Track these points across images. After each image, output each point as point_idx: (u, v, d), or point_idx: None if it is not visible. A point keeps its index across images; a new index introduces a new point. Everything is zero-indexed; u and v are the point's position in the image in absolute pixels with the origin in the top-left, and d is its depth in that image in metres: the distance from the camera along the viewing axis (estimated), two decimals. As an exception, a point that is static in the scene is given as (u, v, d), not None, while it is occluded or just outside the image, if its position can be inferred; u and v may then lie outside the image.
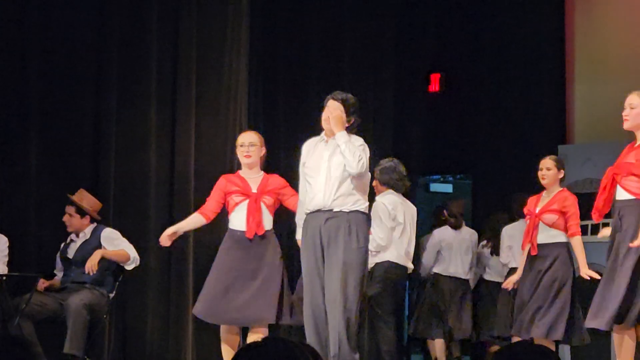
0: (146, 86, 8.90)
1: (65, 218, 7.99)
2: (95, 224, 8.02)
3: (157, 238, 8.61)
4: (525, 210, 7.89)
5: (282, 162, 9.46)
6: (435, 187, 12.32)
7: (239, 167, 9.06)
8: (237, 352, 2.44)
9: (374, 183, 8.10)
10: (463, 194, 11.79)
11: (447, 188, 12.41)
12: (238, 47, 9.23)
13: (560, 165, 7.87)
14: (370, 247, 7.83)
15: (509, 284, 8.08)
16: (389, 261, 8.09)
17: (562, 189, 7.86)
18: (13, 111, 8.55)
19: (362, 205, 6.66)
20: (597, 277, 7.62)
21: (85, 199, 7.99)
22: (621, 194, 6.34)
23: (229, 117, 9.13)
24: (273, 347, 2.38)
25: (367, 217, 6.70)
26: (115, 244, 7.88)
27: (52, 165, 8.57)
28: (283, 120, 9.87)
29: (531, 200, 7.91)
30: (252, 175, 7.19)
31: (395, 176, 8.14)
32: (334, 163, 6.62)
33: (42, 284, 7.91)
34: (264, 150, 7.22)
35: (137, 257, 7.87)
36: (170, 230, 7.22)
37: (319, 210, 6.64)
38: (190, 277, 8.66)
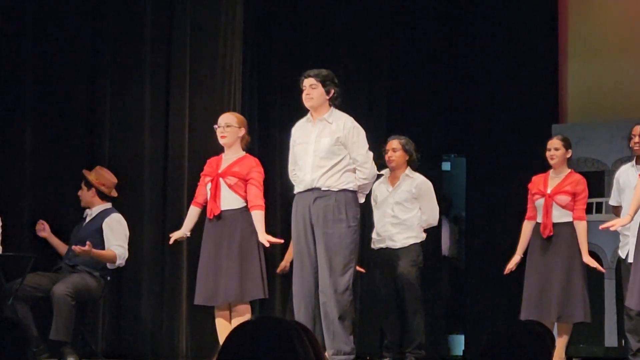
0: (140, 67, 8.87)
1: (79, 192, 8.06)
2: (107, 205, 8.00)
3: (150, 218, 8.65)
4: (533, 190, 7.88)
5: (277, 141, 9.45)
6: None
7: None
8: (230, 331, 2.44)
9: (398, 154, 8.03)
10: (459, 171, 11.80)
11: (445, 166, 12.41)
12: (232, 27, 9.20)
13: (567, 145, 7.88)
14: (423, 224, 7.87)
15: (511, 265, 7.98)
16: (422, 242, 8.07)
17: (571, 170, 7.89)
18: (8, 93, 8.53)
19: (351, 183, 6.72)
20: (599, 267, 7.67)
21: (95, 173, 8.02)
22: None
23: (223, 98, 9.11)
24: (266, 325, 2.38)
25: (355, 195, 6.74)
26: (108, 236, 7.85)
27: (46, 146, 8.55)
28: (278, 100, 9.85)
29: (537, 179, 7.89)
30: (228, 155, 7.20)
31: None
32: (321, 143, 6.70)
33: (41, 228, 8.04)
34: (243, 132, 7.21)
35: (124, 257, 7.83)
36: (177, 235, 7.31)
37: (307, 190, 6.70)
38: (184, 257, 8.65)
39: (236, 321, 7.03)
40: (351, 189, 6.72)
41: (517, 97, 10.73)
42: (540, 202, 7.78)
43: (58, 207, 8.40)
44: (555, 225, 7.69)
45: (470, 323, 10.65)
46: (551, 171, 7.86)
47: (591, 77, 10.44)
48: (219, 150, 8.88)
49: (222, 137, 7.18)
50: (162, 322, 8.67)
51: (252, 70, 9.78)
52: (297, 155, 6.85)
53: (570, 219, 7.71)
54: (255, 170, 7.08)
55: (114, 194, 8.06)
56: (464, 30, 11.15)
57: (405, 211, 7.97)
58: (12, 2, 8.50)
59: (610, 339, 9.63)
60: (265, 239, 6.85)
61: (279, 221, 8.82)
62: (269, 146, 9.67)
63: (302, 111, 7.02)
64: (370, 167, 6.78)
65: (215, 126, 7.24)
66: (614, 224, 6.67)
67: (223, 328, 7.11)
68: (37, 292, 7.70)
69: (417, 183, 8.01)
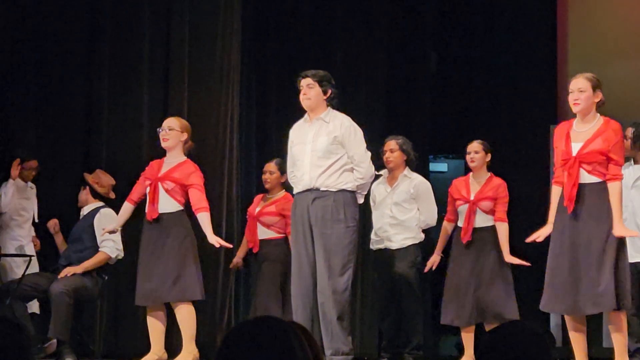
0: (138, 67, 8.88)
1: (80, 193, 8.13)
2: (101, 203, 8.03)
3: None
4: (455, 194, 7.92)
5: (275, 142, 9.46)
6: (431, 166, 12.32)
7: (230, 147, 9.08)
8: (229, 331, 2.44)
9: (395, 155, 8.03)
10: (457, 172, 11.79)
11: (442, 167, 12.41)
12: (230, 27, 9.20)
13: (487, 149, 7.98)
14: (421, 225, 7.87)
15: (430, 265, 8.07)
16: (421, 243, 8.07)
17: (490, 174, 7.96)
18: (5, 92, 8.55)
19: (349, 184, 6.71)
20: (524, 263, 7.77)
21: (93, 174, 8.11)
22: (586, 179, 6.33)
23: (221, 98, 9.11)
24: (265, 326, 2.38)
25: (354, 195, 6.74)
26: (99, 232, 7.85)
27: (44, 147, 8.56)
28: (275, 101, 9.85)
29: (459, 183, 7.98)
30: (169, 159, 7.30)
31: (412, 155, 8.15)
32: (318, 143, 6.71)
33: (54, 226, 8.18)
34: (185, 136, 7.30)
35: (118, 249, 7.88)
36: (108, 229, 7.43)
37: (306, 191, 6.70)
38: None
39: (180, 323, 7.26)
40: (350, 189, 6.72)
41: (516, 99, 10.73)
42: (463, 207, 7.84)
43: (56, 207, 8.40)
44: (478, 229, 7.77)
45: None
46: (471, 175, 7.94)
47: (590, 78, 10.43)
48: (216, 149, 8.91)
49: (163, 140, 7.28)
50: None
51: (249, 71, 9.78)
52: (295, 156, 6.86)
53: (492, 223, 7.79)
54: (196, 175, 7.21)
55: (111, 195, 8.08)
56: (463, 32, 11.15)
57: (404, 212, 7.96)
58: (10, 2, 8.51)
59: (608, 340, 9.60)
60: (215, 240, 7.02)
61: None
62: (267, 147, 9.67)
63: (299, 112, 7.02)
64: (367, 167, 6.78)
65: (159, 129, 7.33)
66: (540, 235, 6.70)
67: (154, 328, 7.33)
68: (35, 292, 7.71)
69: (415, 183, 8.01)
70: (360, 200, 6.87)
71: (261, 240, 8.26)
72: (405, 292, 7.92)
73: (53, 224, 8.21)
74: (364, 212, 7.92)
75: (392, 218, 7.96)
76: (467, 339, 7.76)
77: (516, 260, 7.74)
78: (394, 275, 7.92)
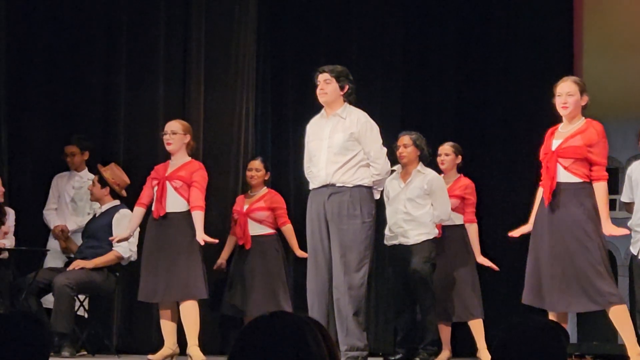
0: (155, 65, 8.90)
1: (89, 186, 8.15)
2: (118, 202, 8.05)
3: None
4: None
5: (291, 137, 9.46)
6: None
7: (245, 143, 9.10)
8: (244, 326, 2.45)
9: (409, 150, 8.03)
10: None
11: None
12: (246, 24, 9.21)
13: (457, 151, 8.25)
14: (435, 220, 7.93)
15: None
16: (435, 238, 8.11)
17: (460, 175, 8.24)
18: (22, 87, 8.58)
19: (366, 179, 6.71)
20: (493, 266, 7.90)
21: (110, 170, 8.08)
22: (564, 177, 6.36)
23: (236, 95, 9.13)
24: (280, 322, 2.38)
25: (370, 191, 6.74)
26: (117, 231, 7.86)
27: (61, 143, 8.59)
28: (291, 96, 9.85)
29: None
30: (174, 161, 7.46)
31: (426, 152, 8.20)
32: (335, 139, 6.70)
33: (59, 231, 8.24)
34: (188, 138, 7.47)
35: (131, 251, 7.90)
36: (121, 236, 7.51)
37: (322, 186, 6.70)
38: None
39: (184, 319, 7.32)
40: (366, 184, 6.70)
41: (532, 94, 10.70)
42: None
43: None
44: (445, 227, 8.04)
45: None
46: (443, 176, 8.15)
47: (606, 74, 10.40)
48: (232, 147, 8.93)
49: (167, 144, 7.45)
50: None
51: (265, 66, 9.79)
52: (312, 152, 6.84)
53: (460, 222, 8.09)
54: (198, 174, 7.37)
55: (124, 193, 8.12)
56: (478, 27, 11.11)
57: (418, 207, 7.96)
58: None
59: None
60: (202, 237, 7.15)
61: (292, 218, 8.82)
62: (283, 143, 9.68)
63: (315, 107, 7.02)
64: (383, 163, 6.77)
65: (162, 133, 7.46)
66: (517, 232, 6.78)
67: (166, 324, 7.43)
68: (48, 287, 7.73)
69: (428, 179, 8.01)
70: (377, 196, 6.87)
71: (256, 236, 8.41)
72: (419, 288, 7.93)
73: (60, 229, 8.25)
74: (378, 208, 7.94)
75: (406, 214, 7.96)
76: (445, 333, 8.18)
77: (487, 262, 7.98)
78: (409, 271, 7.93)
